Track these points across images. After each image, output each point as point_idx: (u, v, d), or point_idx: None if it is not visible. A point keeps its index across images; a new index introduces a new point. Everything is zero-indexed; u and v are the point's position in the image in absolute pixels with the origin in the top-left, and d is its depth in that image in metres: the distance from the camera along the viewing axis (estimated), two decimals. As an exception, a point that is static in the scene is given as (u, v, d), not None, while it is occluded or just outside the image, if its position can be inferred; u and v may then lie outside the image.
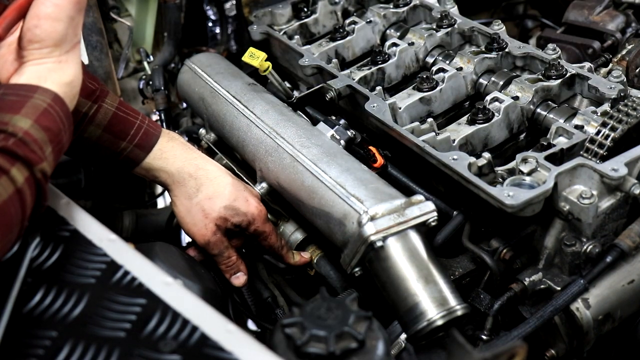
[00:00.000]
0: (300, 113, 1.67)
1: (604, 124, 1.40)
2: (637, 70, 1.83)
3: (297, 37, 1.91)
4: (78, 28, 1.16)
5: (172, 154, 1.48)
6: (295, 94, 1.72)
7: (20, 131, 1.03)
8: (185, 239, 2.11)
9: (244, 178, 1.67)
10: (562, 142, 1.46)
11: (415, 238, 1.28)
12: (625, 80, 1.56)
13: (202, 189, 1.48)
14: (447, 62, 1.74)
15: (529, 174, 1.36)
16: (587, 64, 1.64)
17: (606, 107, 1.52)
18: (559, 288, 1.38)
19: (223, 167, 1.56)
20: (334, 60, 1.78)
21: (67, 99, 1.14)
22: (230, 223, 1.48)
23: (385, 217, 1.27)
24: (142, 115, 1.49)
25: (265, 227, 1.51)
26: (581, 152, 1.40)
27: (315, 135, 1.52)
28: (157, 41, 2.21)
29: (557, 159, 1.41)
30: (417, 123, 1.53)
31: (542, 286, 1.40)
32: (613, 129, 1.38)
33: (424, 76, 1.63)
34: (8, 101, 1.07)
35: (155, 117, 2.12)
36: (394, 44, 1.79)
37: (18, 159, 1.02)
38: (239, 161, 1.74)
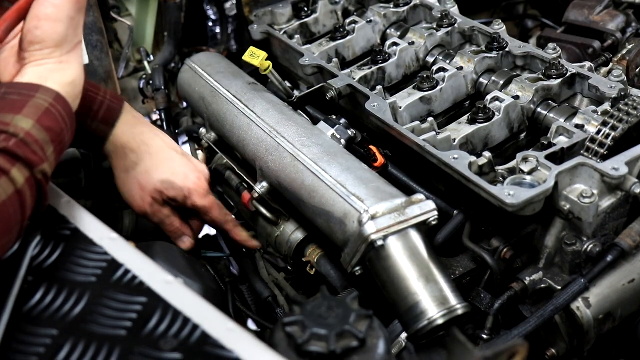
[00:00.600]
0: (301, 112, 1.67)
1: (604, 123, 1.40)
2: (638, 69, 1.83)
3: (297, 36, 1.91)
4: (79, 28, 1.16)
5: (122, 129, 1.48)
6: (296, 93, 1.72)
7: (21, 132, 1.03)
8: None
9: (244, 177, 1.67)
10: (562, 141, 1.46)
11: (415, 237, 1.28)
12: (625, 79, 1.56)
13: (140, 163, 1.49)
14: (448, 61, 1.74)
15: (530, 173, 1.36)
16: (588, 64, 1.64)
17: (607, 106, 1.52)
18: (559, 287, 1.38)
19: (173, 142, 1.56)
20: (335, 59, 1.78)
21: (69, 99, 1.14)
22: (166, 196, 1.50)
23: (386, 216, 1.27)
24: (102, 89, 1.48)
25: (204, 202, 1.53)
26: (582, 152, 1.40)
27: (315, 134, 1.52)
28: (157, 41, 2.21)
29: (557, 158, 1.41)
30: (417, 122, 1.54)
31: (542, 285, 1.40)
32: (614, 128, 1.38)
33: (425, 75, 1.63)
34: (9, 100, 1.07)
35: (155, 117, 2.12)
36: (395, 44, 1.80)
37: (19, 160, 1.02)
38: (240, 160, 1.74)
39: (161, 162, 1.50)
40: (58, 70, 1.13)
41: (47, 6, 1.11)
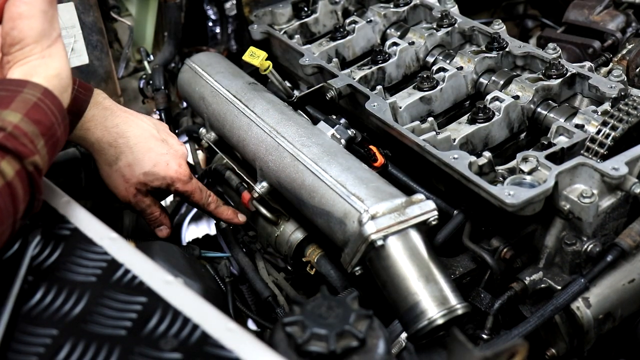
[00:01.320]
0: (301, 112, 1.67)
1: (604, 123, 1.40)
2: (638, 69, 1.83)
3: (297, 36, 1.91)
4: (54, 21, 1.16)
5: (92, 124, 1.49)
6: (296, 93, 1.72)
7: (9, 125, 1.03)
8: (186, 238, 2.11)
9: (244, 177, 1.67)
10: (562, 141, 1.46)
11: (415, 237, 1.28)
12: (625, 79, 1.56)
13: (121, 157, 1.51)
14: (448, 61, 1.74)
15: (530, 173, 1.36)
16: (588, 64, 1.64)
17: (607, 106, 1.52)
18: (559, 287, 1.38)
19: (149, 124, 1.57)
20: (335, 59, 1.78)
21: (56, 92, 1.14)
22: (150, 187, 1.55)
23: (386, 216, 1.27)
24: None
25: (186, 187, 1.58)
26: (582, 151, 1.40)
27: (315, 134, 1.52)
28: (157, 41, 2.21)
29: (557, 158, 1.41)
30: (417, 122, 1.54)
31: (542, 285, 1.40)
32: (614, 128, 1.38)
33: (425, 75, 1.63)
34: None
35: (155, 117, 2.12)
36: (395, 44, 1.80)
37: (8, 152, 1.02)
38: (240, 160, 1.74)
39: (142, 155, 1.53)
40: (42, 65, 1.14)
41: (19, 5, 1.11)
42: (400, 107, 1.58)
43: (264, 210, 1.61)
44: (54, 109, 1.12)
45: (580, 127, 1.49)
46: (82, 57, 1.89)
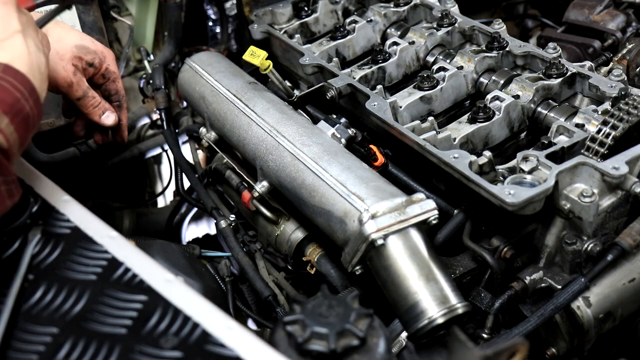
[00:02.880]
0: (301, 112, 1.67)
1: (604, 123, 1.40)
2: (638, 69, 1.83)
3: (297, 36, 1.91)
4: (10, 19, 1.15)
5: None
6: (296, 92, 1.72)
7: None
8: (186, 238, 2.11)
9: (245, 177, 1.67)
10: (562, 140, 1.46)
11: (416, 236, 1.28)
12: (625, 79, 1.57)
13: (50, 34, 1.43)
14: (448, 61, 1.74)
15: (530, 172, 1.36)
16: (588, 63, 1.64)
17: (607, 105, 1.52)
18: (559, 286, 1.38)
19: None
20: (335, 59, 1.78)
21: (22, 69, 1.12)
22: (85, 62, 1.54)
23: (386, 215, 1.27)
24: None
25: (116, 68, 1.61)
26: (582, 151, 1.40)
27: (316, 133, 1.52)
28: (157, 40, 2.21)
29: (557, 157, 1.41)
30: (417, 122, 1.54)
31: (542, 285, 1.40)
32: (614, 127, 1.38)
33: (425, 75, 1.63)
34: None
35: (155, 116, 2.12)
36: (395, 43, 1.80)
37: None
38: (240, 160, 1.74)
39: (68, 30, 1.54)
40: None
41: None
42: (401, 107, 1.58)
43: (264, 210, 1.61)
44: (18, 85, 1.09)
45: (580, 126, 1.49)
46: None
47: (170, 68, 2.12)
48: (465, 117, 1.57)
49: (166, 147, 2.04)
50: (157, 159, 2.32)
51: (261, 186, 1.56)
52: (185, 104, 2.17)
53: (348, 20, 1.95)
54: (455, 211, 1.50)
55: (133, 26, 2.09)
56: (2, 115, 1.05)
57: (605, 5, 2.03)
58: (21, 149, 1.10)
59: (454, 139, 1.50)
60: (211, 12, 2.25)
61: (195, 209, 2.14)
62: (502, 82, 1.64)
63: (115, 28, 2.12)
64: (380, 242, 1.25)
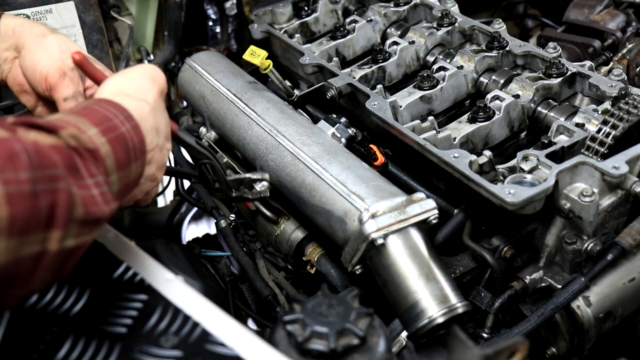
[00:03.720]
0: (301, 111, 1.67)
1: (604, 122, 1.40)
2: (638, 69, 1.83)
3: (297, 35, 1.91)
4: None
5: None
6: (296, 92, 1.72)
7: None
8: (186, 237, 2.11)
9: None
10: (563, 140, 1.46)
11: (416, 236, 1.28)
12: (625, 78, 1.57)
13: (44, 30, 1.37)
14: (448, 60, 1.74)
15: (530, 171, 1.36)
16: (588, 63, 1.64)
17: (607, 105, 1.52)
18: (559, 286, 1.38)
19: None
20: (335, 58, 1.78)
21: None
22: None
23: (386, 214, 1.27)
24: None
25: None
26: (582, 150, 1.40)
27: (316, 133, 1.52)
28: (157, 40, 2.21)
29: (558, 157, 1.41)
30: (417, 121, 1.54)
31: (542, 284, 1.40)
32: (614, 127, 1.38)
33: (425, 74, 1.63)
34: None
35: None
36: (395, 43, 1.80)
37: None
38: (240, 159, 1.74)
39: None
40: None
41: None
42: (401, 106, 1.58)
43: (264, 209, 1.60)
44: (132, 131, 1.07)
45: (580, 126, 1.49)
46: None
47: (170, 68, 2.12)
48: (466, 116, 1.57)
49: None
50: (157, 158, 2.32)
51: (261, 186, 1.56)
52: (185, 103, 2.17)
53: (348, 20, 1.95)
54: (455, 211, 1.50)
55: (133, 26, 2.09)
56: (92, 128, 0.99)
57: (605, 5, 2.03)
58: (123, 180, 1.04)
59: (454, 139, 1.50)
60: (211, 12, 2.25)
61: (195, 209, 2.14)
62: (502, 81, 1.64)
63: (115, 28, 2.12)
64: (380, 241, 1.25)
